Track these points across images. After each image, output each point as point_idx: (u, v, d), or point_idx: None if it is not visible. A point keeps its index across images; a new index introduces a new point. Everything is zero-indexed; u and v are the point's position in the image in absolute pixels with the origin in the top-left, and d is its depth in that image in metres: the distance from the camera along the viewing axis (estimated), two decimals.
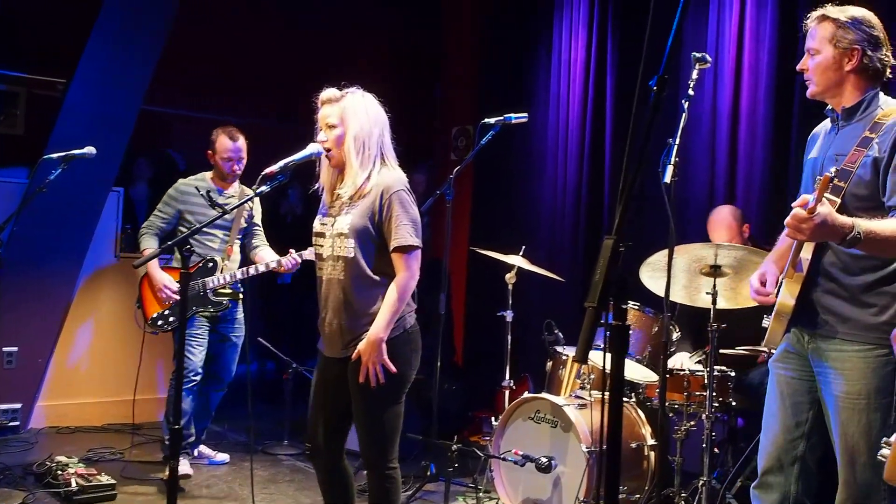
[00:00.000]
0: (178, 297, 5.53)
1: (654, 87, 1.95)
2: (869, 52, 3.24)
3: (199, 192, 5.61)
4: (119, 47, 6.20)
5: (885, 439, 1.94)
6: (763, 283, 3.41)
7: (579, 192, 7.16)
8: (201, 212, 5.61)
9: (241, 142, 5.73)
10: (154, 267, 5.66)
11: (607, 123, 6.97)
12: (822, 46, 3.28)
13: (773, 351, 3.52)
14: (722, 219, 5.38)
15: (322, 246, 3.77)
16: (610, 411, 1.78)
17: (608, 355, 1.80)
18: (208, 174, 5.81)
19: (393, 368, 3.61)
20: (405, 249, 3.63)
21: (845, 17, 3.26)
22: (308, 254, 5.32)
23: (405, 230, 3.62)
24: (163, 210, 5.71)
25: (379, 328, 3.59)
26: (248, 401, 4.81)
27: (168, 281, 5.61)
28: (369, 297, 3.67)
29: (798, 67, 3.39)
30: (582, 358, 1.84)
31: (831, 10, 3.30)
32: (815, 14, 3.34)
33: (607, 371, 1.85)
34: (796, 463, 3.38)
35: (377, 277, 3.67)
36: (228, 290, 5.68)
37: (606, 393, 1.79)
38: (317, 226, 3.82)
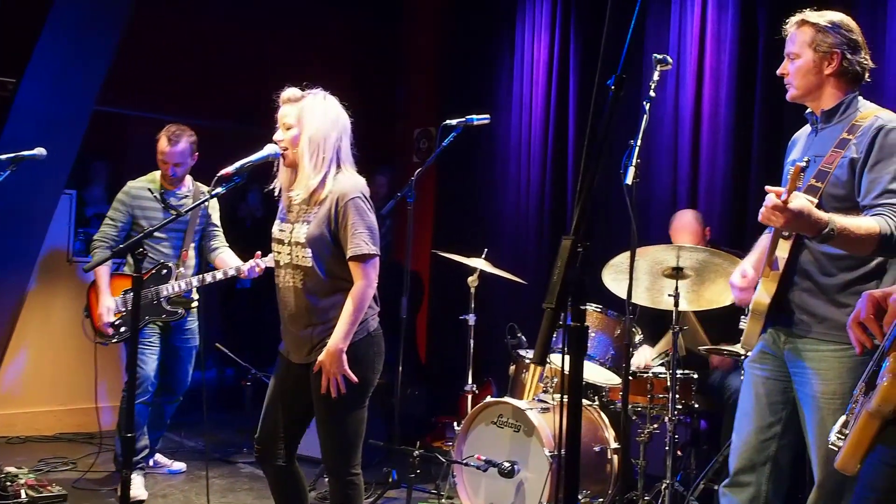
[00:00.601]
0: (111, 331, 5.33)
1: (612, 87, 1.90)
2: (848, 56, 3.28)
3: (151, 193, 5.43)
4: (71, 46, 6.05)
5: (836, 429, 1.93)
6: (744, 278, 3.42)
7: (543, 194, 7.13)
8: (155, 215, 5.39)
9: (182, 146, 5.41)
10: (102, 283, 5.38)
11: (570, 125, 6.94)
12: (801, 50, 3.31)
13: (748, 352, 3.50)
14: (685, 223, 5.38)
15: (280, 253, 3.72)
16: (569, 413, 1.73)
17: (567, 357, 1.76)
18: (158, 174, 5.56)
19: (354, 378, 3.57)
20: (362, 258, 3.57)
21: (824, 21, 3.29)
22: (269, 260, 4.98)
23: (361, 238, 3.56)
24: (114, 217, 5.43)
25: (338, 339, 3.54)
26: (203, 408, 4.70)
27: (107, 310, 5.32)
28: (328, 304, 3.63)
29: (779, 72, 3.42)
30: (540, 360, 1.79)
31: (810, 15, 3.33)
32: (794, 19, 3.37)
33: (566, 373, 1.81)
34: (768, 463, 3.37)
35: (335, 285, 3.63)
36: (182, 299, 5.45)
37: (565, 396, 1.73)
38: (275, 232, 3.76)
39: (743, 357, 4.25)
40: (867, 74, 3.32)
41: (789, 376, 3.31)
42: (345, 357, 3.54)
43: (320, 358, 3.56)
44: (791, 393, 3.31)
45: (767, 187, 3.02)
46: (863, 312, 1.94)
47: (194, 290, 5.49)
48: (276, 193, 3.81)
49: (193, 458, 6.10)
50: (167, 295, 5.36)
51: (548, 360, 4.72)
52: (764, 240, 3.59)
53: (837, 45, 3.26)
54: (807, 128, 3.51)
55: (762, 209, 2.98)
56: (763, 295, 3.25)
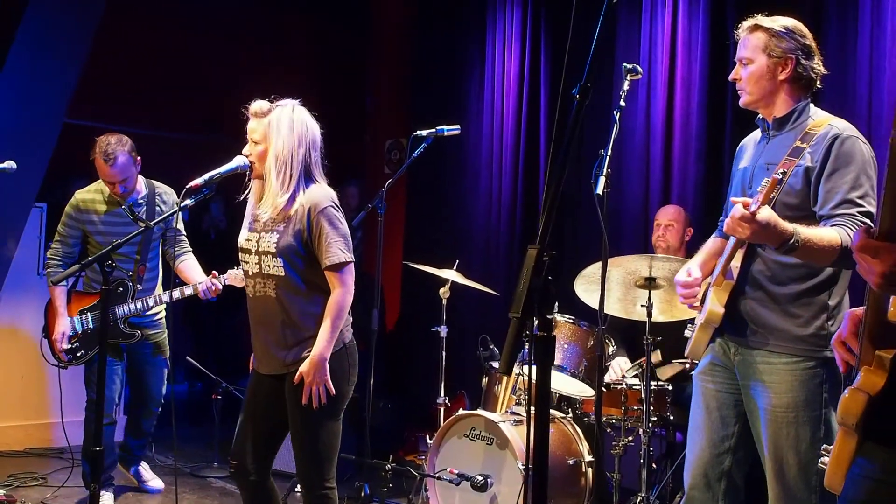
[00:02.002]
0: (67, 357, 5.10)
1: (577, 96, 1.89)
2: (802, 61, 3.25)
3: (103, 197, 5.11)
4: (40, 59, 6.02)
5: (824, 446, 1.93)
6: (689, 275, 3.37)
7: (514, 205, 7.11)
8: (109, 225, 5.08)
9: (121, 159, 4.97)
10: (59, 304, 5.08)
11: (541, 136, 6.94)
12: (755, 55, 3.28)
13: (695, 363, 3.48)
14: (670, 214, 5.37)
15: (248, 263, 3.68)
16: (537, 424, 1.71)
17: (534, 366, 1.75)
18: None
19: (333, 390, 3.56)
20: (338, 266, 3.57)
21: (778, 26, 3.26)
22: (230, 279, 4.90)
23: (336, 247, 3.56)
24: (64, 233, 5.13)
25: (322, 348, 3.53)
26: (172, 422, 4.64)
27: (62, 335, 5.03)
28: (302, 312, 3.62)
29: (731, 77, 3.40)
30: (506, 369, 1.78)
31: (763, 20, 3.30)
32: (746, 24, 3.34)
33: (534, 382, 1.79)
34: (723, 478, 3.33)
35: (309, 292, 3.62)
36: (141, 319, 5.17)
37: (532, 408, 1.71)
38: (242, 241, 3.73)
39: (689, 368, 4.24)
40: (819, 81, 3.30)
41: (740, 388, 3.29)
42: (327, 367, 3.54)
43: (302, 368, 3.54)
44: (742, 406, 3.28)
45: (733, 198, 3.01)
46: (844, 331, 1.93)
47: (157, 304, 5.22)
48: (246, 203, 3.78)
49: (163, 473, 6.02)
50: (123, 315, 5.07)
51: (515, 369, 4.70)
52: (710, 243, 3.57)
53: (791, 50, 3.23)
54: (755, 134, 3.48)
55: (727, 220, 2.95)
56: (716, 305, 3.21)
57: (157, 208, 5.20)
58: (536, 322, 1.67)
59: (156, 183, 5.32)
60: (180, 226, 5.43)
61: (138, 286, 5.14)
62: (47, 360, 5.22)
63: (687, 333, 3.37)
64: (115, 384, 5.22)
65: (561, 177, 1.78)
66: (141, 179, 5.25)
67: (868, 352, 1.76)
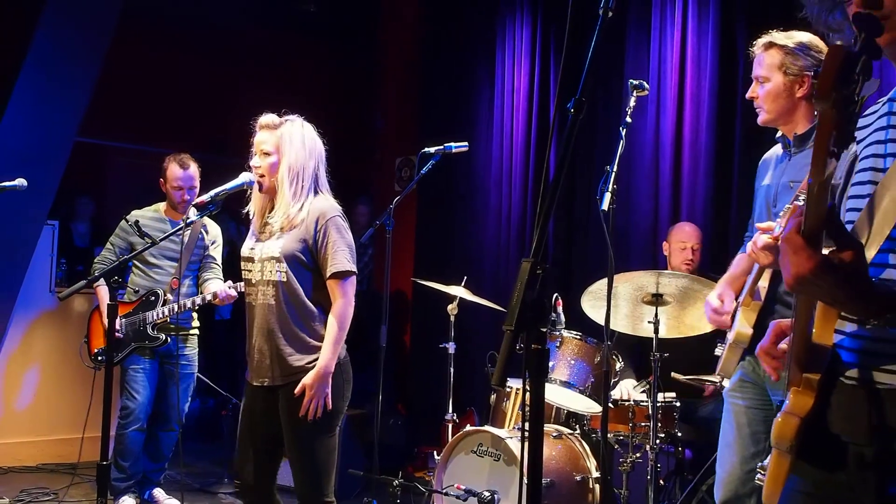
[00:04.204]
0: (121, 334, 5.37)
1: (571, 110, 1.90)
2: None
3: (128, 222, 5.45)
4: (51, 79, 6.10)
5: (760, 464, 1.96)
6: (721, 303, 3.34)
7: (523, 222, 7.11)
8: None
9: (193, 170, 5.54)
10: (103, 303, 5.40)
11: (551, 153, 6.93)
12: (771, 74, 3.25)
13: (725, 381, 3.46)
14: (697, 236, 5.36)
15: (251, 271, 3.71)
16: (530, 437, 1.72)
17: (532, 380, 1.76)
18: (162, 205, 5.65)
19: (330, 407, 3.56)
20: (342, 275, 3.59)
21: (793, 43, 3.23)
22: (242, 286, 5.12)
23: (342, 255, 3.60)
24: (113, 242, 5.53)
25: (327, 360, 3.54)
26: (179, 437, 4.66)
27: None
28: (301, 323, 3.62)
29: (748, 96, 3.35)
30: (499, 382, 1.79)
31: (778, 37, 3.27)
32: (761, 41, 3.30)
33: (534, 397, 1.79)
34: (754, 495, 3.31)
35: (310, 304, 3.63)
36: (171, 325, 5.43)
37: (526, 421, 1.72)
38: (245, 251, 3.76)
39: (720, 385, 4.21)
40: None
41: (770, 404, 3.27)
42: (330, 380, 3.55)
43: (305, 380, 3.53)
44: (772, 422, 3.27)
45: (757, 224, 2.98)
46: (766, 341, 1.96)
47: (194, 318, 5.60)
48: (250, 217, 3.82)
49: (173, 489, 6.03)
50: (152, 321, 5.34)
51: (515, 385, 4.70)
52: (738, 261, 3.54)
53: (808, 67, 3.20)
54: (777, 149, 3.45)
55: (750, 245, 2.93)
56: (744, 325, 3.17)
57: (200, 233, 5.56)
58: (529, 335, 1.68)
59: (206, 218, 5.57)
60: (216, 254, 5.70)
61: (168, 296, 5.41)
62: (85, 363, 5.54)
63: (717, 352, 3.35)
64: (147, 392, 5.44)
65: (556, 192, 1.79)
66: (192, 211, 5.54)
67: (796, 373, 1.79)
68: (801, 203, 2.86)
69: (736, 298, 3.33)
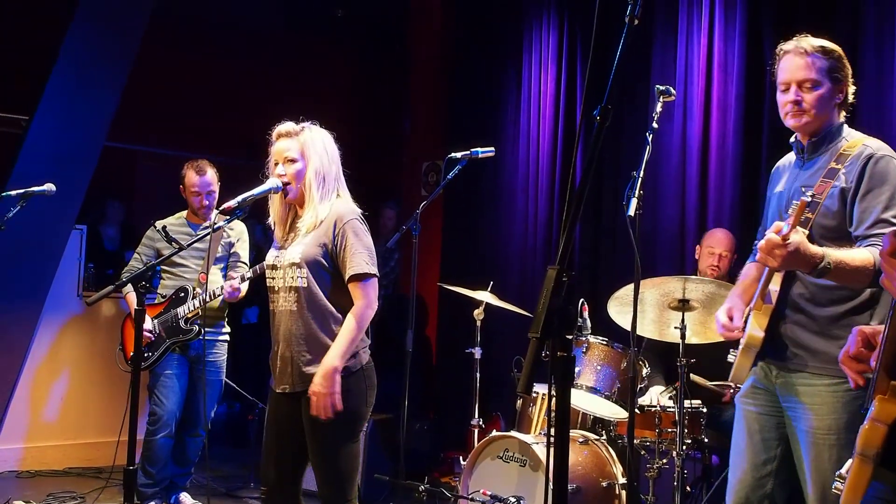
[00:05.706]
0: (151, 337, 5.42)
1: (598, 118, 1.89)
2: (852, 87, 3.24)
3: (155, 228, 5.52)
4: (81, 83, 6.12)
5: (838, 472, 1.94)
6: (731, 318, 3.33)
7: (550, 228, 7.10)
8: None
9: (210, 175, 5.59)
10: (133, 308, 5.41)
11: (578, 159, 6.92)
12: (822, 78, 3.20)
13: (739, 386, 3.45)
14: (726, 244, 5.33)
15: (275, 278, 3.72)
16: (556, 444, 1.71)
17: (560, 387, 1.75)
18: (185, 212, 5.71)
19: (339, 407, 3.51)
20: (361, 277, 3.59)
21: (837, 50, 3.23)
22: (250, 273, 5.25)
23: (361, 258, 3.59)
24: (140, 251, 5.61)
25: (334, 357, 3.51)
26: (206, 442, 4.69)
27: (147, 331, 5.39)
28: (323, 328, 3.61)
29: (793, 99, 3.23)
30: (525, 389, 1.78)
31: (826, 43, 3.24)
32: (810, 42, 3.24)
33: (562, 404, 1.79)
34: (765, 501, 3.29)
35: (332, 309, 3.62)
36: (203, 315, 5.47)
37: (552, 429, 1.72)
38: (270, 258, 3.78)
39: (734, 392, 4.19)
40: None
41: (782, 411, 3.25)
42: (338, 378, 3.50)
43: (314, 378, 3.53)
44: (784, 428, 3.25)
45: (767, 232, 2.96)
46: (852, 347, 1.94)
47: (225, 325, 5.68)
48: (272, 227, 3.84)
49: (199, 493, 6.06)
50: (183, 315, 5.43)
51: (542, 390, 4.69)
52: (747, 269, 3.54)
53: (847, 76, 3.22)
54: (790, 156, 3.44)
55: (760, 246, 2.91)
56: (756, 329, 3.17)
57: (225, 233, 5.61)
58: (555, 343, 1.68)
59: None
60: (242, 251, 5.76)
61: (198, 290, 5.47)
62: (123, 369, 5.53)
63: (730, 358, 3.33)
64: (176, 398, 5.48)
65: (582, 198, 1.79)
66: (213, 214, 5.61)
67: (883, 381, 1.77)
68: (808, 199, 2.86)
69: (746, 306, 3.32)
